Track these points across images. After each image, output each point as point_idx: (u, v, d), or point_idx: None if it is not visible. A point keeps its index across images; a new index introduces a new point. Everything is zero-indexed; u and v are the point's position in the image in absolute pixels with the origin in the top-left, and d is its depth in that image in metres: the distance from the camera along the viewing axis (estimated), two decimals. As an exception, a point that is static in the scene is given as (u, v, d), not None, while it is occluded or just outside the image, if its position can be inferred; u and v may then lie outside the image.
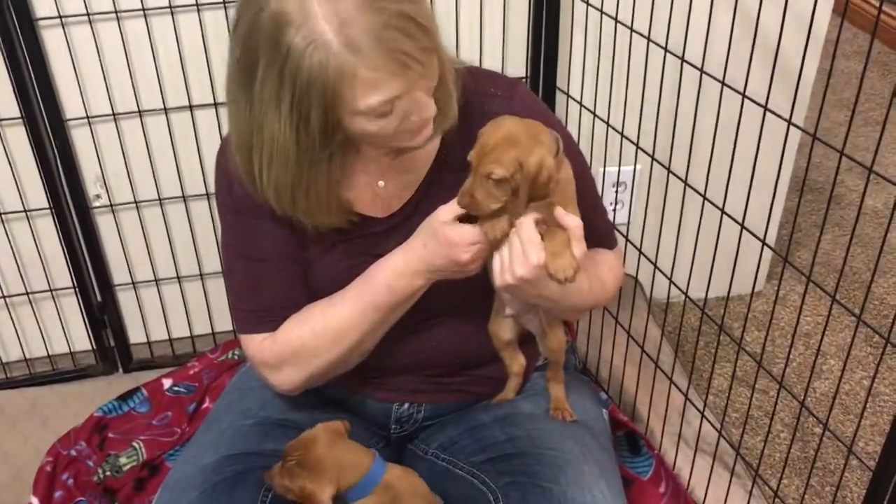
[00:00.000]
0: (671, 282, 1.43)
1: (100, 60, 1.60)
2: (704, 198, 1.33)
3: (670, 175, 1.42)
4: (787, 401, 1.78)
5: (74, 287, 1.81)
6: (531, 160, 1.01)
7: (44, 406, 1.81)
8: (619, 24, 1.52)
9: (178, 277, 1.85)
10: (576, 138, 1.65)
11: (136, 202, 1.75)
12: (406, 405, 1.30)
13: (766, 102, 1.15)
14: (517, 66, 1.72)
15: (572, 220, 1.05)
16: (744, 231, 1.25)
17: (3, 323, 1.85)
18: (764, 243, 1.23)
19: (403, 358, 1.25)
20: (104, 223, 1.77)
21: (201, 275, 1.85)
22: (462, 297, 1.17)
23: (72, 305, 1.84)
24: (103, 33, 1.58)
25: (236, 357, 1.80)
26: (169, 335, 1.93)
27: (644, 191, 1.77)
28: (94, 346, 1.89)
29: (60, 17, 1.54)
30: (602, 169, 1.80)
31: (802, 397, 1.28)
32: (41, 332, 1.87)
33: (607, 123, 1.59)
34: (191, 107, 1.67)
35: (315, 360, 1.17)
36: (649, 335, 1.76)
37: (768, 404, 1.78)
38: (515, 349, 1.28)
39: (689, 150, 1.40)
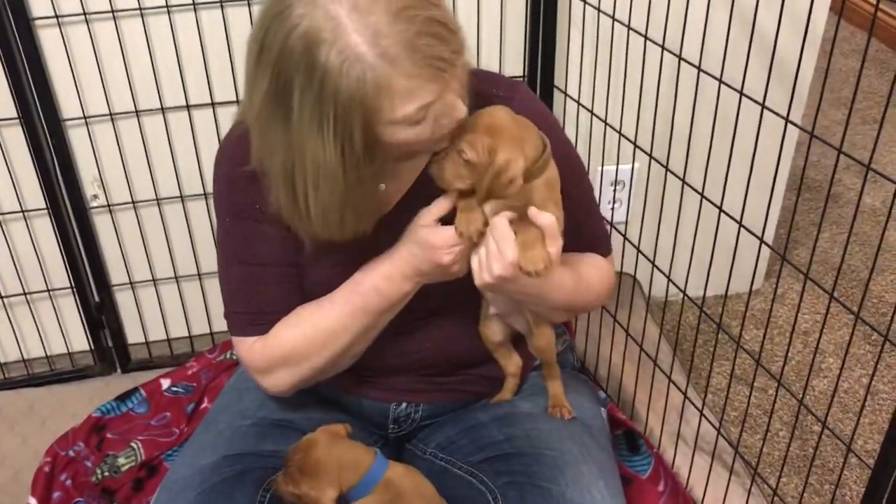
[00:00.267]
0: (669, 280, 1.43)
1: (97, 60, 1.59)
2: (702, 196, 1.33)
3: (668, 173, 1.42)
4: (786, 399, 1.78)
5: (72, 287, 1.81)
6: (501, 156, 1.01)
7: (42, 407, 1.81)
8: (616, 23, 1.52)
9: (176, 277, 1.85)
10: (573, 137, 1.66)
11: (133, 202, 1.75)
12: (403, 405, 1.30)
13: (764, 100, 1.15)
14: (515, 65, 1.72)
15: (545, 218, 1.04)
16: (742, 229, 1.25)
17: (1, 324, 1.85)
18: (762, 241, 1.23)
19: (399, 358, 1.25)
20: (101, 223, 1.77)
21: (199, 275, 1.85)
22: (455, 296, 1.17)
23: (69, 306, 1.84)
24: (100, 33, 1.57)
25: (234, 357, 1.79)
26: (167, 335, 1.92)
27: (642, 189, 1.77)
28: (92, 347, 1.89)
29: (57, 16, 1.53)
30: (600, 168, 1.80)
31: (801, 395, 1.28)
32: (39, 332, 1.86)
33: (605, 122, 1.59)
34: (188, 106, 1.66)
35: (305, 363, 1.17)
36: (648, 334, 1.76)
37: (767, 402, 1.78)
38: (509, 350, 1.28)
39: (686, 148, 1.40)
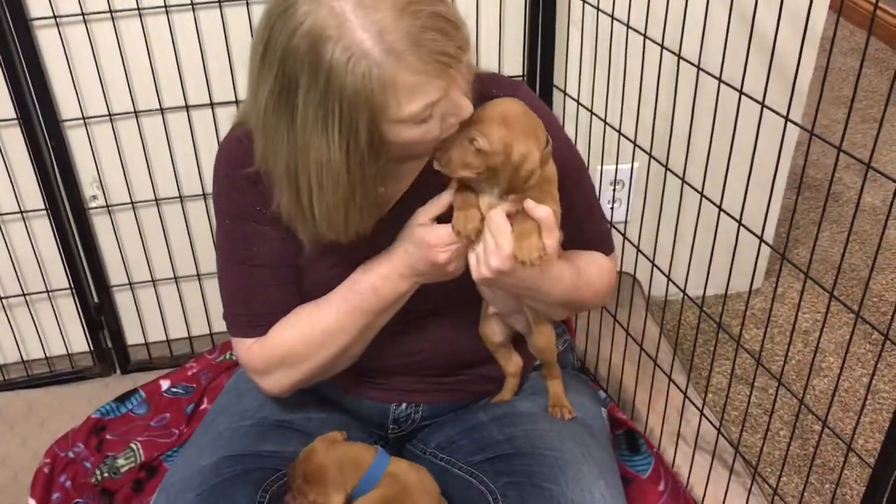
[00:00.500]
0: (669, 279, 1.43)
1: (95, 61, 1.59)
2: (702, 195, 1.33)
3: (668, 173, 1.42)
4: (787, 398, 1.78)
5: (71, 288, 1.80)
6: (518, 149, 1.00)
7: (41, 408, 1.81)
8: (615, 22, 1.52)
9: (176, 278, 1.85)
10: (573, 136, 1.66)
11: (132, 203, 1.75)
12: (403, 405, 1.30)
13: (764, 99, 1.15)
14: (514, 65, 1.72)
15: (542, 210, 1.04)
16: (742, 228, 1.25)
17: (0, 325, 1.84)
18: (762, 240, 1.23)
19: (398, 358, 1.25)
20: (100, 224, 1.77)
21: (198, 275, 1.85)
22: (454, 297, 1.17)
23: (69, 307, 1.84)
24: (98, 33, 1.57)
25: (234, 358, 1.79)
26: (166, 336, 1.92)
27: (642, 188, 1.77)
28: (92, 348, 1.89)
29: (55, 17, 1.53)
30: (600, 167, 1.79)
31: (801, 395, 1.28)
32: (38, 333, 1.86)
33: (605, 121, 1.59)
34: (187, 107, 1.66)
35: (303, 363, 1.17)
36: (648, 333, 1.76)
37: (767, 402, 1.78)
38: (510, 350, 1.27)
39: (686, 147, 1.39)
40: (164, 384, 1.76)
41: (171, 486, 1.17)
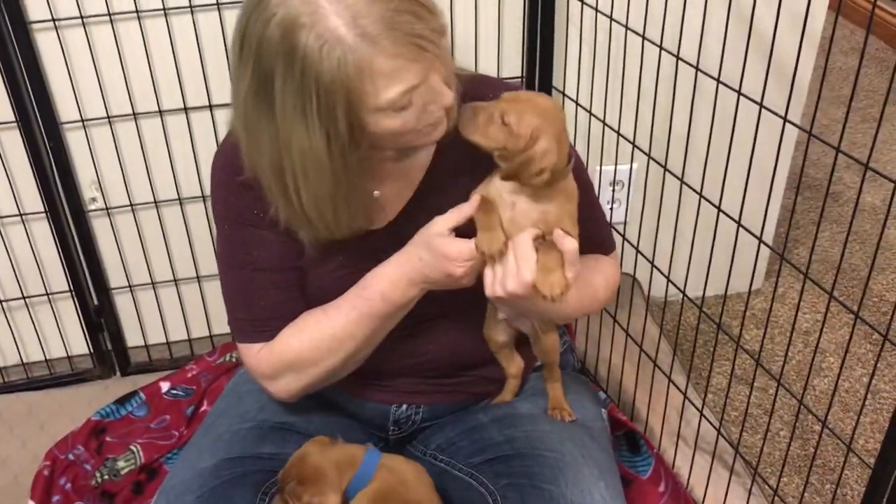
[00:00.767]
0: (669, 280, 1.43)
1: (94, 63, 1.59)
2: (701, 196, 1.33)
3: (667, 173, 1.42)
4: (787, 399, 1.78)
5: (71, 291, 1.80)
6: (542, 143, 1.01)
7: (41, 410, 1.81)
8: (613, 22, 1.52)
9: (175, 280, 1.85)
10: (572, 137, 1.66)
11: (131, 205, 1.75)
12: (404, 406, 1.29)
13: (762, 100, 1.15)
14: (513, 66, 1.72)
15: (569, 243, 1.04)
16: (741, 229, 1.25)
17: (0, 327, 1.84)
18: (761, 241, 1.23)
19: (401, 360, 1.25)
20: (100, 227, 1.77)
21: (198, 277, 1.85)
22: (459, 300, 1.17)
23: (68, 309, 1.84)
24: (97, 36, 1.57)
25: (234, 360, 1.79)
26: (166, 338, 1.92)
27: (641, 189, 1.77)
28: (92, 350, 1.89)
29: (54, 20, 1.53)
30: (599, 168, 1.79)
31: (801, 395, 1.28)
32: (38, 336, 1.86)
33: (604, 122, 1.59)
34: (185, 109, 1.66)
35: (312, 369, 1.17)
36: (647, 334, 1.76)
37: (767, 402, 1.78)
38: (512, 351, 1.27)
39: (685, 148, 1.39)
40: (164, 386, 1.76)
41: (170, 489, 1.17)
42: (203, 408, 1.68)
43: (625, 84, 1.54)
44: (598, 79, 1.69)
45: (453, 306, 1.20)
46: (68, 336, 1.88)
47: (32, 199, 1.70)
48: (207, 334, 1.92)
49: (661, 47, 1.38)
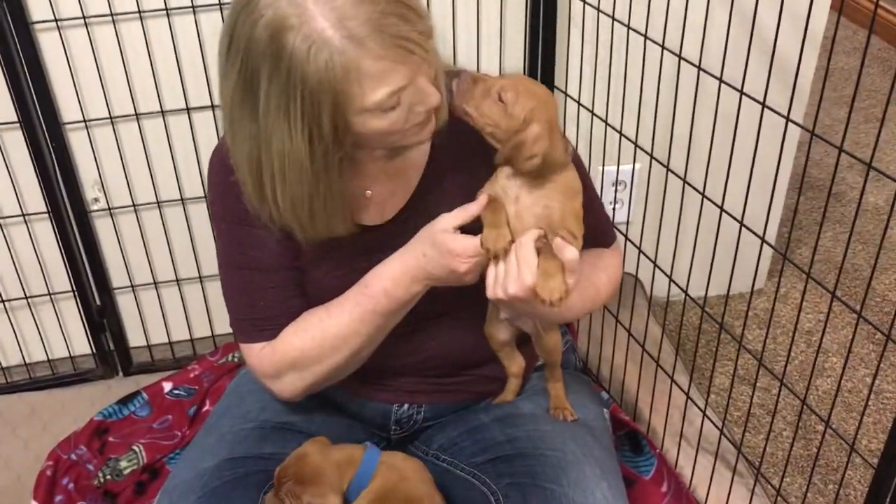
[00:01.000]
0: (671, 280, 1.43)
1: (96, 64, 1.59)
2: (704, 196, 1.33)
3: (669, 173, 1.42)
4: (789, 399, 1.78)
5: (73, 291, 1.81)
6: (534, 128, 1.01)
7: (44, 410, 1.81)
8: (616, 22, 1.52)
9: (178, 280, 1.85)
10: (574, 137, 1.66)
11: (134, 205, 1.75)
12: (405, 406, 1.29)
13: (765, 99, 1.15)
14: (515, 66, 1.72)
15: (570, 254, 1.04)
16: (743, 229, 1.25)
17: (3, 328, 1.85)
18: (764, 241, 1.23)
19: (402, 359, 1.25)
20: (102, 227, 1.77)
21: (200, 277, 1.85)
22: (460, 298, 1.17)
23: (71, 309, 1.84)
24: (99, 36, 1.57)
25: (236, 360, 1.79)
26: (169, 338, 1.92)
27: (643, 189, 1.77)
28: (94, 350, 1.89)
29: (56, 20, 1.53)
30: (601, 168, 1.79)
31: (804, 395, 1.28)
32: (41, 336, 1.86)
33: (606, 122, 1.59)
34: (188, 109, 1.66)
35: (315, 367, 1.17)
36: (650, 334, 1.75)
37: (770, 402, 1.78)
38: (513, 350, 1.27)
39: (687, 148, 1.39)
40: (167, 386, 1.76)
41: (172, 489, 1.17)
42: (205, 408, 1.68)
43: (627, 84, 1.54)
44: (600, 79, 1.69)
45: (455, 305, 1.20)
46: (71, 336, 1.88)
47: (35, 200, 1.70)
48: (210, 334, 1.92)
49: (663, 47, 1.38)
